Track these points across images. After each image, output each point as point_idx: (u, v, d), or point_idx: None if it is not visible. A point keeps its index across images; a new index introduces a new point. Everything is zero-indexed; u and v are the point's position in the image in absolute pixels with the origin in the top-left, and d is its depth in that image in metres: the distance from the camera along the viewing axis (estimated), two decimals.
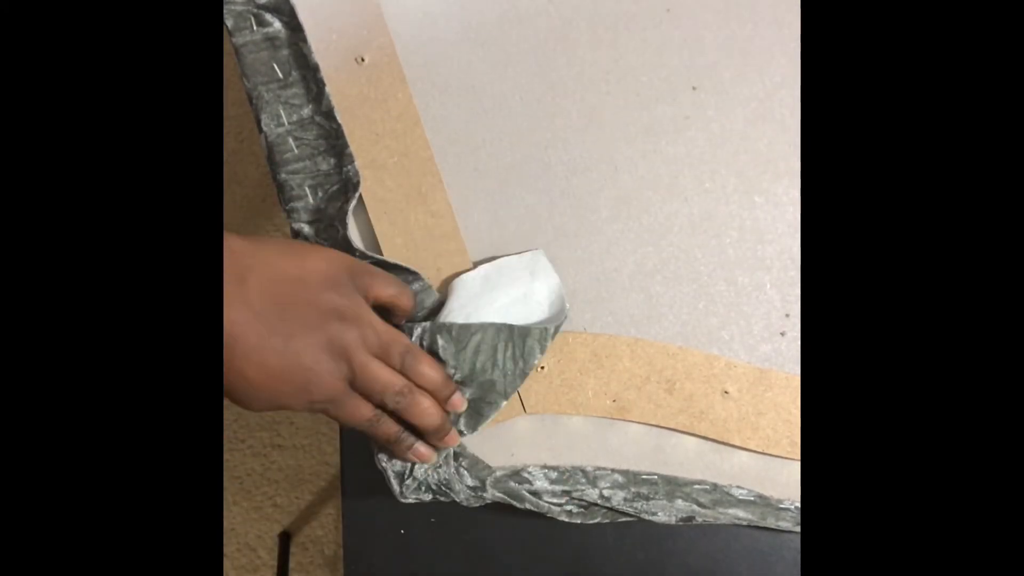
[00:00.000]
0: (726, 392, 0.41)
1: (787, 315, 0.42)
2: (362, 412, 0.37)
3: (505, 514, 0.42)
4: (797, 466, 0.42)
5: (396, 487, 0.41)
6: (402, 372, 0.37)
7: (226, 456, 1.16)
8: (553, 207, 0.42)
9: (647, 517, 0.41)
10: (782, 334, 0.42)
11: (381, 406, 0.37)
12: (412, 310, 0.39)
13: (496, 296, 0.40)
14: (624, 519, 0.42)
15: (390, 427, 0.38)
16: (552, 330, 0.40)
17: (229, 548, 1.16)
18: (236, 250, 0.33)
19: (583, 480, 0.41)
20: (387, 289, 0.38)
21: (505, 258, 0.41)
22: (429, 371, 0.38)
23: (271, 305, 0.34)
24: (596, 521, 0.42)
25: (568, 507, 0.42)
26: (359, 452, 0.43)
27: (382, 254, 0.41)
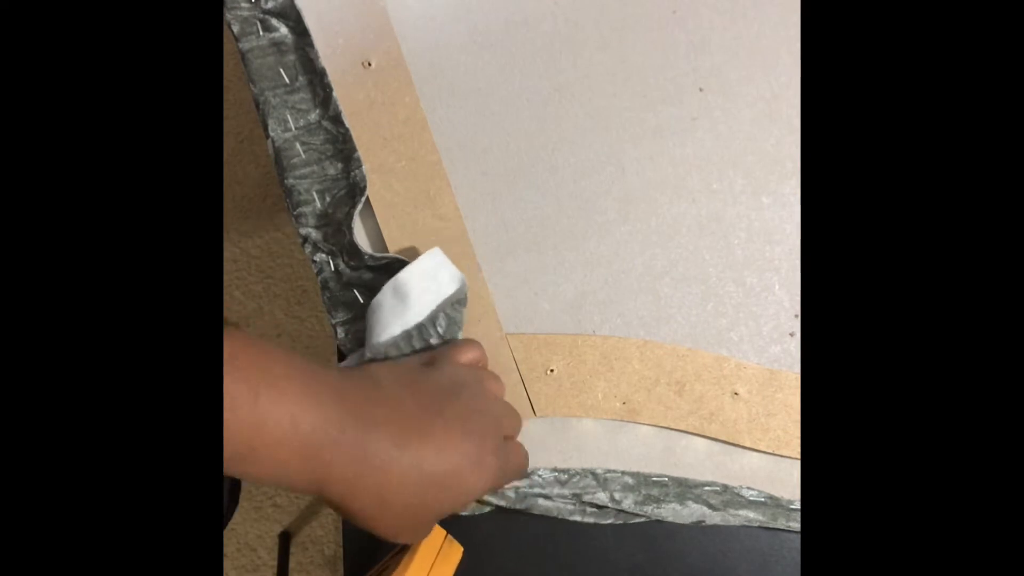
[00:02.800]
0: (736, 393, 0.41)
1: (796, 315, 0.42)
2: (521, 452, 0.38)
3: (507, 513, 0.42)
4: None
5: None
6: None
7: None
8: (561, 209, 0.42)
9: (658, 519, 0.41)
10: (791, 335, 0.42)
11: None
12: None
13: (410, 305, 0.39)
14: (635, 520, 0.42)
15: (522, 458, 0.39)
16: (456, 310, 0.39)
17: (229, 548, 1.16)
18: (344, 369, 0.35)
19: (593, 483, 0.41)
20: (472, 350, 0.38)
21: (409, 266, 0.39)
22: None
23: (409, 394, 0.33)
24: (609, 522, 0.42)
25: (581, 507, 0.42)
26: None
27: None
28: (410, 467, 0.30)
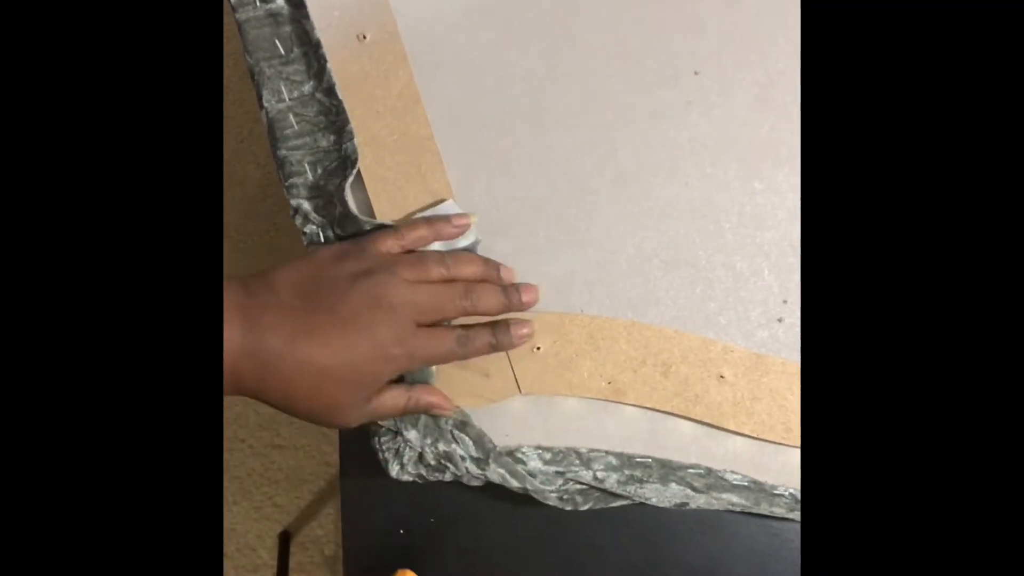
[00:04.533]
0: (722, 376, 0.41)
1: (784, 301, 0.42)
2: (446, 338, 0.38)
3: (505, 514, 0.42)
4: (791, 452, 0.42)
5: (394, 466, 0.41)
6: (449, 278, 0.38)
7: (226, 456, 1.17)
8: (553, 189, 0.42)
9: (641, 500, 0.41)
10: (779, 320, 0.42)
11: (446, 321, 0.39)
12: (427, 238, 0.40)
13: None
14: (618, 503, 0.42)
15: (481, 336, 0.39)
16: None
17: (229, 548, 1.16)
18: (254, 280, 0.36)
19: (577, 462, 0.41)
20: (390, 238, 0.38)
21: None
22: (471, 266, 0.39)
23: (301, 297, 0.35)
24: (588, 507, 0.42)
25: (560, 492, 0.42)
26: (359, 452, 0.43)
27: None
28: (303, 363, 0.34)
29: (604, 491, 0.42)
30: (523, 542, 0.42)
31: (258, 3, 0.41)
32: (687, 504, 0.41)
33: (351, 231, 0.40)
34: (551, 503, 0.41)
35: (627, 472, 0.41)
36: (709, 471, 0.42)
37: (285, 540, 1.13)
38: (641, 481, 0.41)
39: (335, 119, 0.41)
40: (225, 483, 1.15)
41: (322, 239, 0.41)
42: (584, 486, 0.42)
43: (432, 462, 0.41)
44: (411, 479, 0.41)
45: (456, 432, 0.41)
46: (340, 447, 0.43)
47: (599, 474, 0.41)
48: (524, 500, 0.41)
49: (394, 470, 0.41)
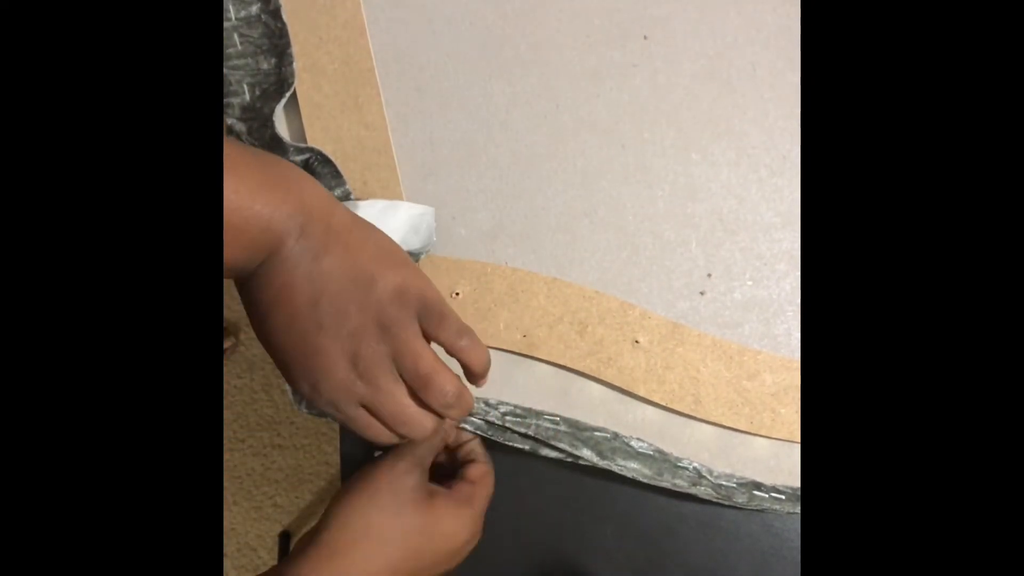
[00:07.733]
0: (637, 342, 0.41)
1: (709, 275, 0.42)
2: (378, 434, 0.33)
3: (506, 514, 0.42)
4: (700, 427, 0.42)
5: (298, 400, 0.40)
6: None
7: (226, 456, 1.17)
8: (490, 137, 0.42)
9: (542, 452, 0.41)
10: (702, 293, 0.42)
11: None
12: (482, 368, 0.35)
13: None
14: (517, 444, 0.41)
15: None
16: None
17: (229, 548, 1.16)
18: (354, 247, 0.32)
19: (484, 408, 0.41)
20: (457, 337, 0.33)
21: (398, 202, 0.39)
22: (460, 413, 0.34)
23: (329, 302, 0.31)
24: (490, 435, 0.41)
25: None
26: (359, 452, 0.43)
27: None
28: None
29: (509, 430, 0.41)
30: (524, 542, 0.42)
31: None
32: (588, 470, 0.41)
33: (279, 154, 0.40)
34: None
35: (535, 424, 0.41)
36: (616, 435, 0.41)
37: (285, 540, 1.13)
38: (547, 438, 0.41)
39: (278, 42, 0.41)
40: (225, 483, 1.16)
41: None
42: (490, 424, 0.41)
43: None
44: (313, 413, 0.41)
45: None
46: (340, 447, 0.43)
47: (508, 421, 0.41)
48: (525, 501, 0.41)
49: (301, 405, 0.41)
